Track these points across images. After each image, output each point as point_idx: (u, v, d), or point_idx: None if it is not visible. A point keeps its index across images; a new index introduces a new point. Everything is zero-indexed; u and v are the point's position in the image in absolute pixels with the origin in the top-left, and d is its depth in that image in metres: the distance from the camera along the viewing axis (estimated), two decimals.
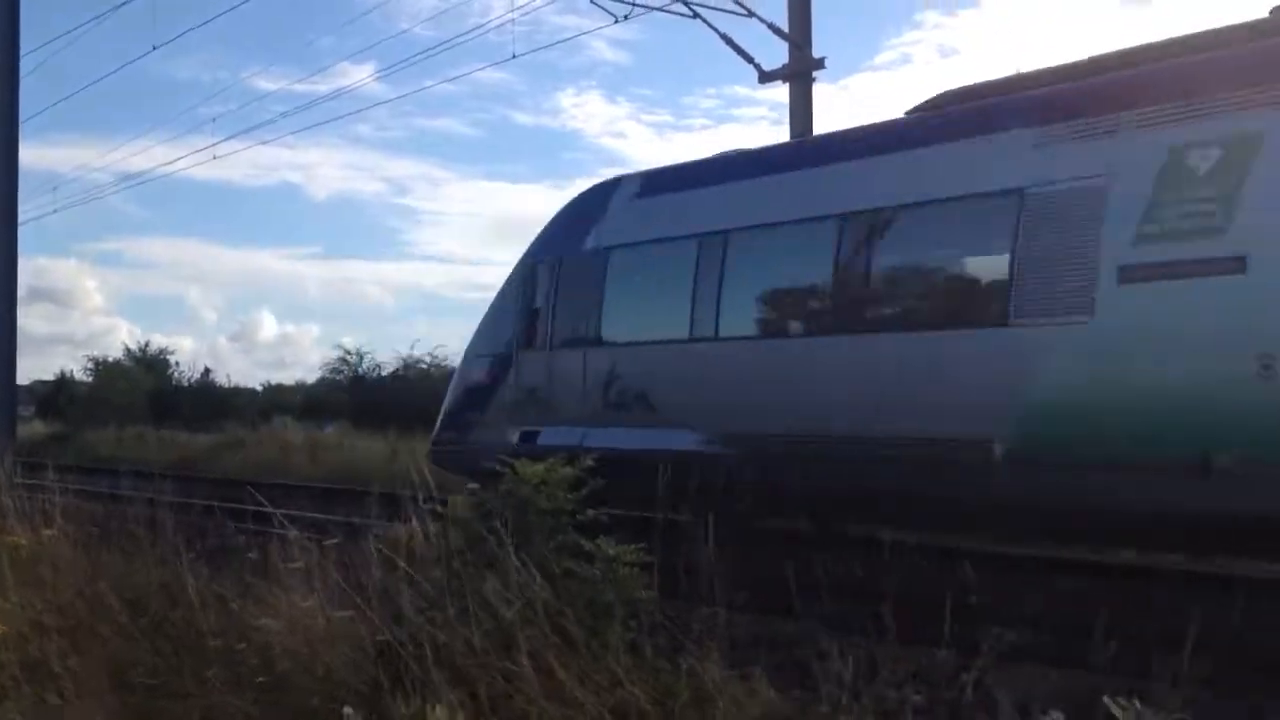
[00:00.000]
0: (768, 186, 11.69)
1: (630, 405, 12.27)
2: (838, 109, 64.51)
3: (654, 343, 12.35)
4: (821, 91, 74.75)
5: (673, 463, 8.98)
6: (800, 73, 18.75)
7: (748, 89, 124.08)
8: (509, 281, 14.13)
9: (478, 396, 14.28)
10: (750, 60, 19.00)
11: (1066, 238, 8.85)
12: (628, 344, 12.65)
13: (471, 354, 14.69)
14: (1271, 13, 8.88)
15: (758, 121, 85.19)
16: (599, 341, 12.73)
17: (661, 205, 12.72)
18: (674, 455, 10.28)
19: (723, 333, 11.56)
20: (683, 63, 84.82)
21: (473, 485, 7.80)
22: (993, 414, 9.02)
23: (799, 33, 18.71)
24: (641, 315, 12.89)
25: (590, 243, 13.14)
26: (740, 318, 11.75)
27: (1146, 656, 4.60)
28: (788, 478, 10.71)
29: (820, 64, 18.87)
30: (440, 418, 14.83)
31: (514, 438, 12.89)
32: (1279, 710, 5.89)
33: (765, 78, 19.10)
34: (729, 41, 18.92)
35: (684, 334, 11.83)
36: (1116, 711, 3.85)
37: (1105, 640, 4.70)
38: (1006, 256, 9.20)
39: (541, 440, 12.47)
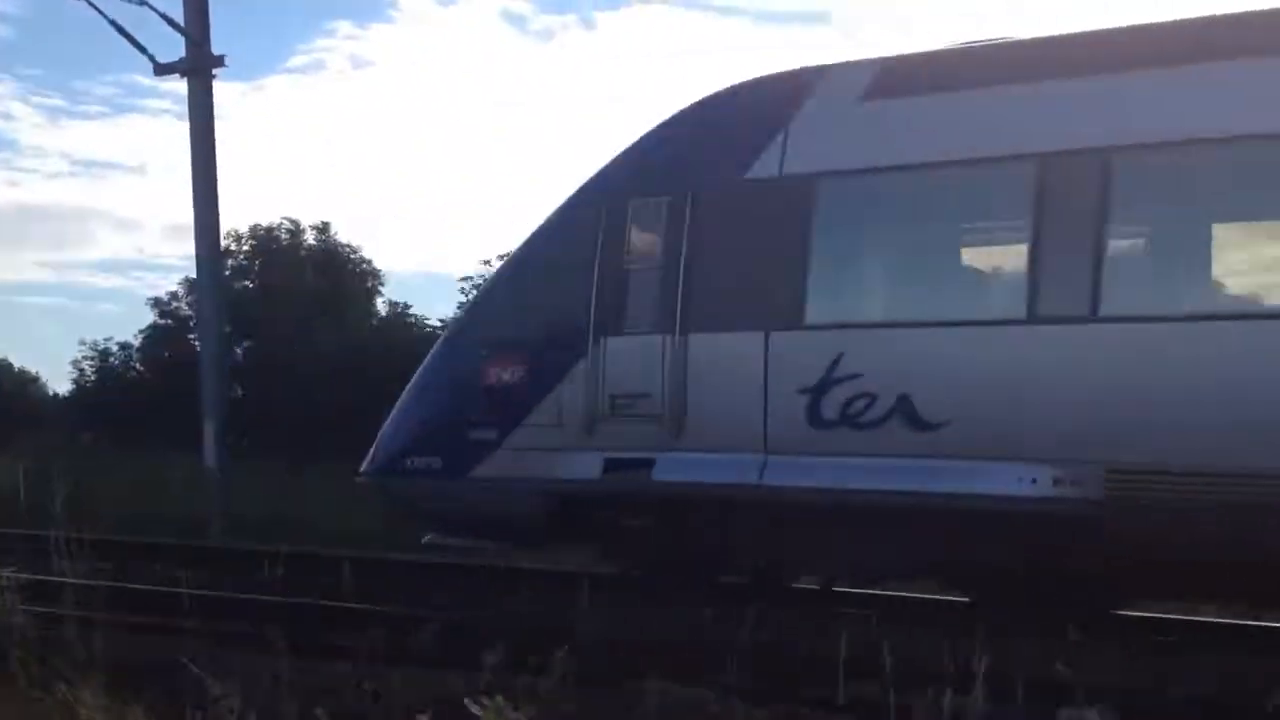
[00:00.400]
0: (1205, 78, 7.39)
1: (880, 422, 7.87)
2: (251, 109, 62.92)
3: (938, 325, 8.00)
4: (232, 90, 71.45)
5: (985, 519, 6.98)
6: (199, 69, 18.15)
7: (150, 79, 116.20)
8: (561, 232, 9.45)
9: (495, 404, 9.35)
10: (143, 50, 18.14)
11: None
12: (870, 325, 8.38)
13: (475, 338, 9.77)
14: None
15: (162, 115, 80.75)
16: (798, 322, 8.33)
17: (932, 110, 8.27)
18: (988, 505, 7.37)
19: (1115, 310, 7.41)
20: (74, 43, 78.29)
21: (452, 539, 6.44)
22: None
23: (196, 28, 18.07)
24: (902, 281, 8.81)
25: (763, 168, 8.58)
26: (1160, 287, 7.88)
27: None
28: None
29: (220, 61, 18.35)
30: (398, 432, 9.91)
31: (586, 467, 8.89)
32: None
33: (161, 70, 18.31)
34: (118, 28, 17.93)
35: (1017, 311, 7.70)
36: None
37: None
38: None
39: (662, 473, 8.60)
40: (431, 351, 10.16)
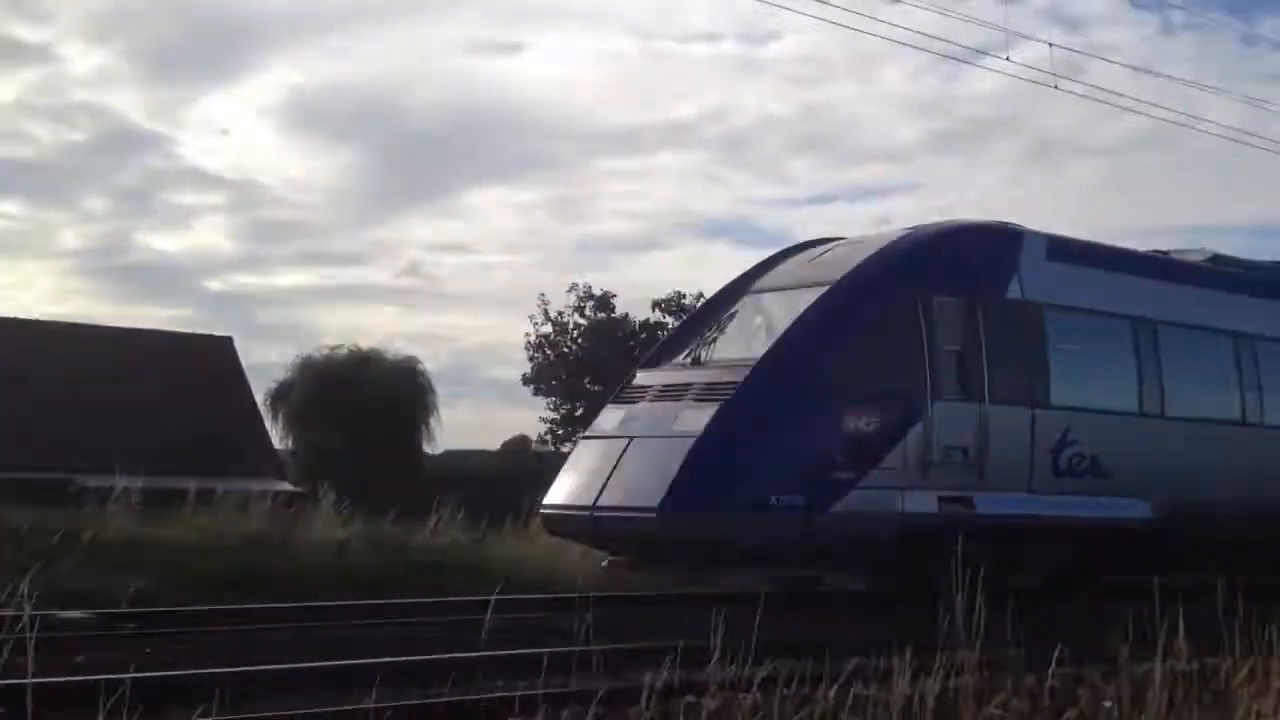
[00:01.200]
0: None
1: (1085, 473, 12.11)
2: None
3: (1110, 413, 12.73)
4: None
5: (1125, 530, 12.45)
6: None
7: None
8: (884, 311, 11.52)
9: (854, 450, 10.67)
10: None
11: None
12: (1082, 409, 12.37)
13: (821, 392, 10.96)
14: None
15: None
16: (1047, 404, 12.02)
17: (1091, 276, 13.24)
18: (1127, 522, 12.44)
19: (1177, 413, 13.50)
20: None
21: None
22: None
23: None
24: (1093, 381, 13.11)
25: (1012, 292, 12.23)
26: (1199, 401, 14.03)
27: None
28: None
29: None
30: (747, 473, 10.42)
31: (925, 503, 10.93)
32: None
33: None
34: None
35: (1136, 408, 13.06)
36: None
37: None
38: None
39: (982, 508, 11.22)
40: (754, 399, 10.69)
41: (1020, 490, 11.53)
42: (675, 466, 10.22)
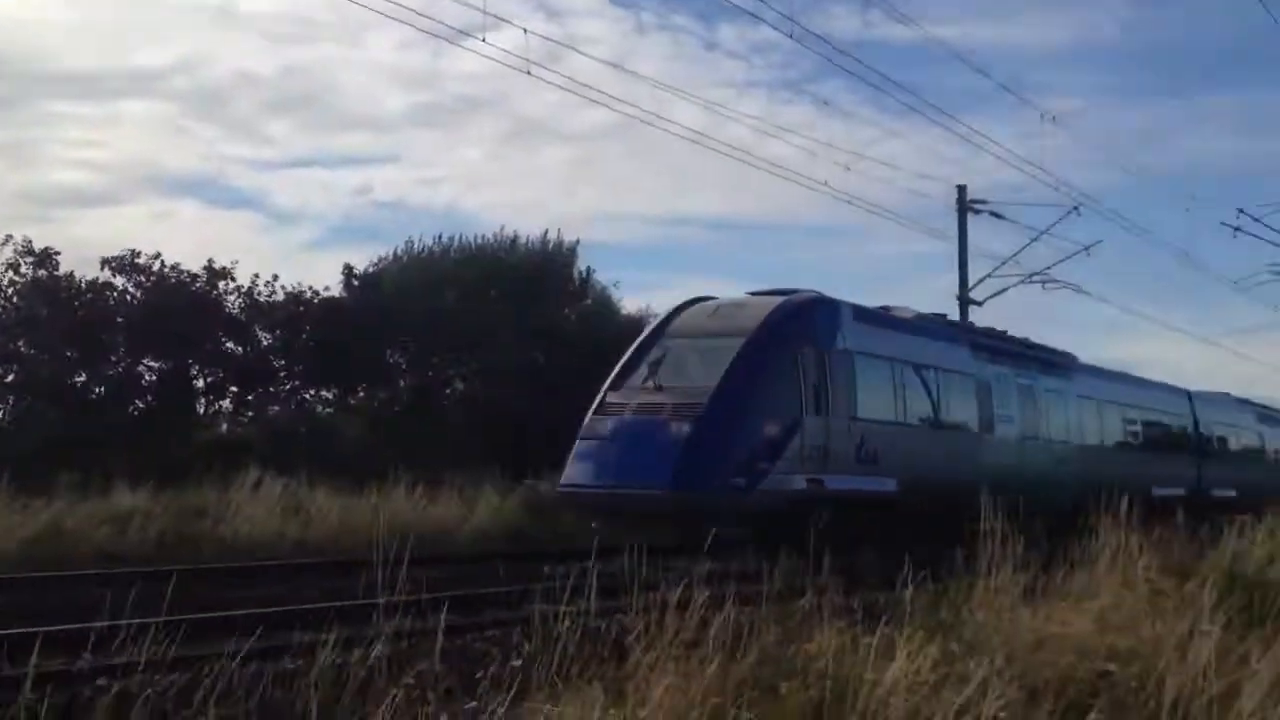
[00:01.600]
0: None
1: (870, 461, 18.10)
2: None
3: (888, 423, 19.01)
4: None
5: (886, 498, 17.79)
6: None
7: None
8: (779, 362, 16.79)
9: (769, 447, 16.19)
10: None
11: None
12: (870, 420, 18.38)
13: (749, 412, 16.25)
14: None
15: None
16: (856, 416, 18.08)
17: (880, 334, 19.95)
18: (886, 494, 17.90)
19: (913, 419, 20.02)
20: None
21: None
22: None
23: None
24: (881, 402, 18.92)
25: (840, 344, 18.08)
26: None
27: None
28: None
29: None
30: (720, 463, 15.76)
31: (801, 484, 16.39)
32: None
33: None
34: None
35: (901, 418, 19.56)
36: None
37: None
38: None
39: (830, 485, 16.79)
40: (715, 418, 15.81)
41: (846, 473, 17.06)
42: (670, 462, 15.34)
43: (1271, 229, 35.45)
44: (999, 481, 14.20)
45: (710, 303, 18.47)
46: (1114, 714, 5.97)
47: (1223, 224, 35.45)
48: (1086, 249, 35.46)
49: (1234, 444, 35.26)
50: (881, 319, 20.31)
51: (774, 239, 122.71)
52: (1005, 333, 25.09)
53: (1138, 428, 28.52)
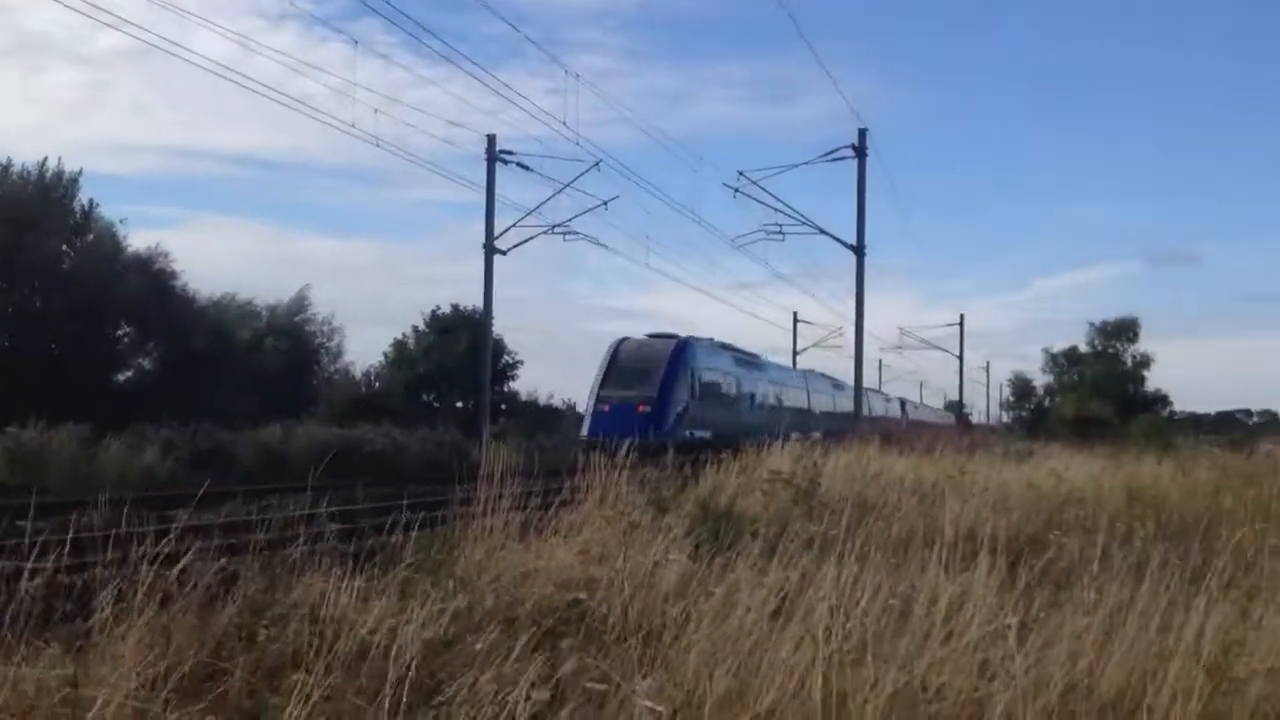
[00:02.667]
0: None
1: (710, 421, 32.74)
2: None
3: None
4: None
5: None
6: None
7: None
8: (677, 374, 31.40)
9: (677, 417, 30.94)
10: None
11: None
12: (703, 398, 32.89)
13: (672, 401, 30.97)
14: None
15: None
16: (697, 398, 32.33)
17: (719, 356, 35.98)
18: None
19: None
20: None
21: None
22: None
23: None
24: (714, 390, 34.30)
25: (699, 364, 33.35)
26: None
27: None
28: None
29: None
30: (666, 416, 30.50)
31: (687, 434, 30.45)
32: None
33: None
34: None
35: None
36: None
37: None
38: None
39: (698, 433, 30.99)
40: (660, 404, 30.45)
41: (698, 428, 31.38)
42: (640, 425, 26.07)
43: (767, 192, 39.06)
44: (743, 428, 30.34)
45: (636, 340, 33.07)
46: (586, 640, 6.34)
47: (725, 185, 38.69)
48: (605, 203, 37.42)
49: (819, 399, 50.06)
50: (708, 347, 35.22)
51: (300, 179, 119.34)
52: (739, 348, 39.71)
53: (783, 390, 43.72)
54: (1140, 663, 5.20)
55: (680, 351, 31.70)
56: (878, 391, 66.87)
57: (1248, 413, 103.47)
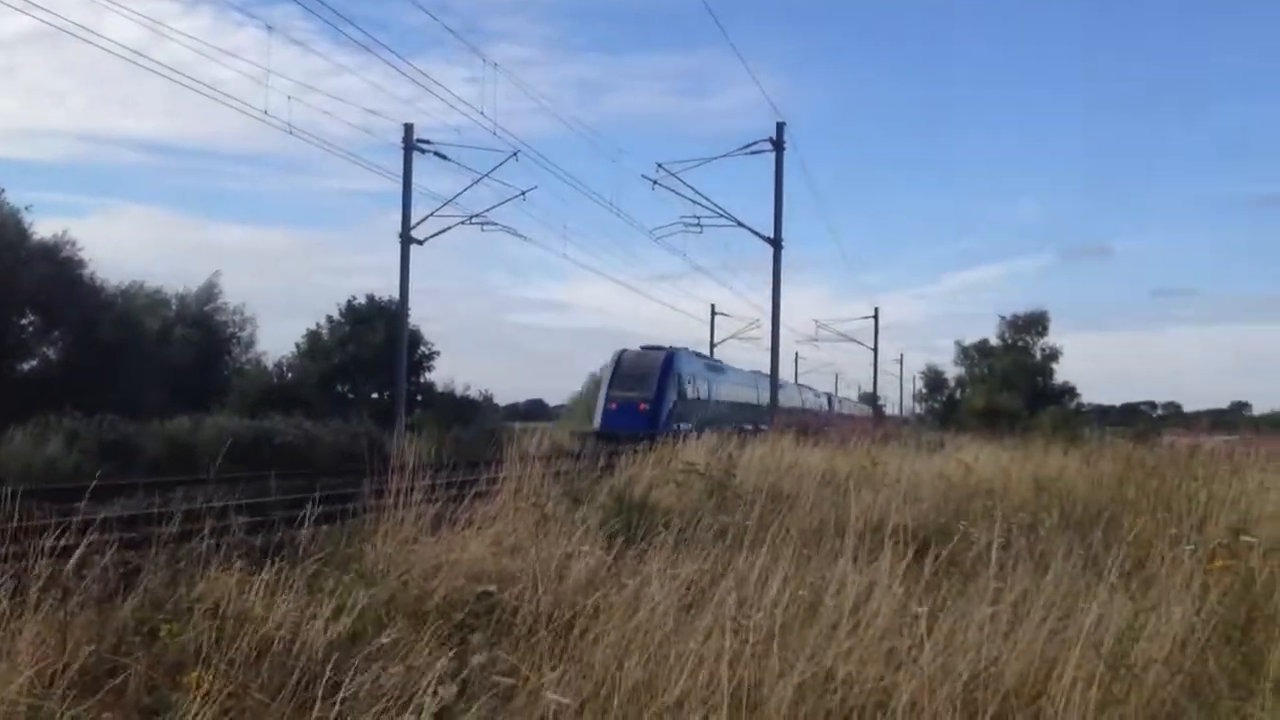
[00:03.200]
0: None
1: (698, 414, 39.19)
2: None
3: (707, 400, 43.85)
4: None
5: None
6: None
7: None
8: (668, 379, 39.20)
9: (668, 412, 38.15)
10: None
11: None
12: (693, 399, 41.47)
13: (664, 400, 38.71)
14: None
15: None
16: (684, 396, 40.93)
17: (706, 368, 46.11)
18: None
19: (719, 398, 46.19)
20: None
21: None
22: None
23: None
24: (700, 388, 43.60)
25: (683, 368, 41.34)
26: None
27: None
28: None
29: None
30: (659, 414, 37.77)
31: (677, 425, 35.15)
32: None
33: None
34: None
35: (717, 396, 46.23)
36: None
37: None
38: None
39: (683, 425, 32.96)
40: (655, 402, 38.89)
41: (684, 422, 35.73)
42: (642, 421, 35.87)
43: (685, 184, 39.15)
44: (711, 421, 31.14)
45: (635, 351, 40.49)
46: (496, 633, 6.29)
47: (644, 176, 38.70)
48: (523, 194, 37.24)
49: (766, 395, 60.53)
50: (687, 356, 42.88)
51: (213, 167, 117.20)
52: (706, 355, 50.93)
53: (739, 389, 50.70)
54: (1042, 651, 5.29)
55: (669, 360, 39.88)
56: (809, 387, 74.72)
57: (1152, 405, 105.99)
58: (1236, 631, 5.76)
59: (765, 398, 55.09)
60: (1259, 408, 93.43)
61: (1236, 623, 5.84)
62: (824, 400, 73.30)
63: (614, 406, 38.00)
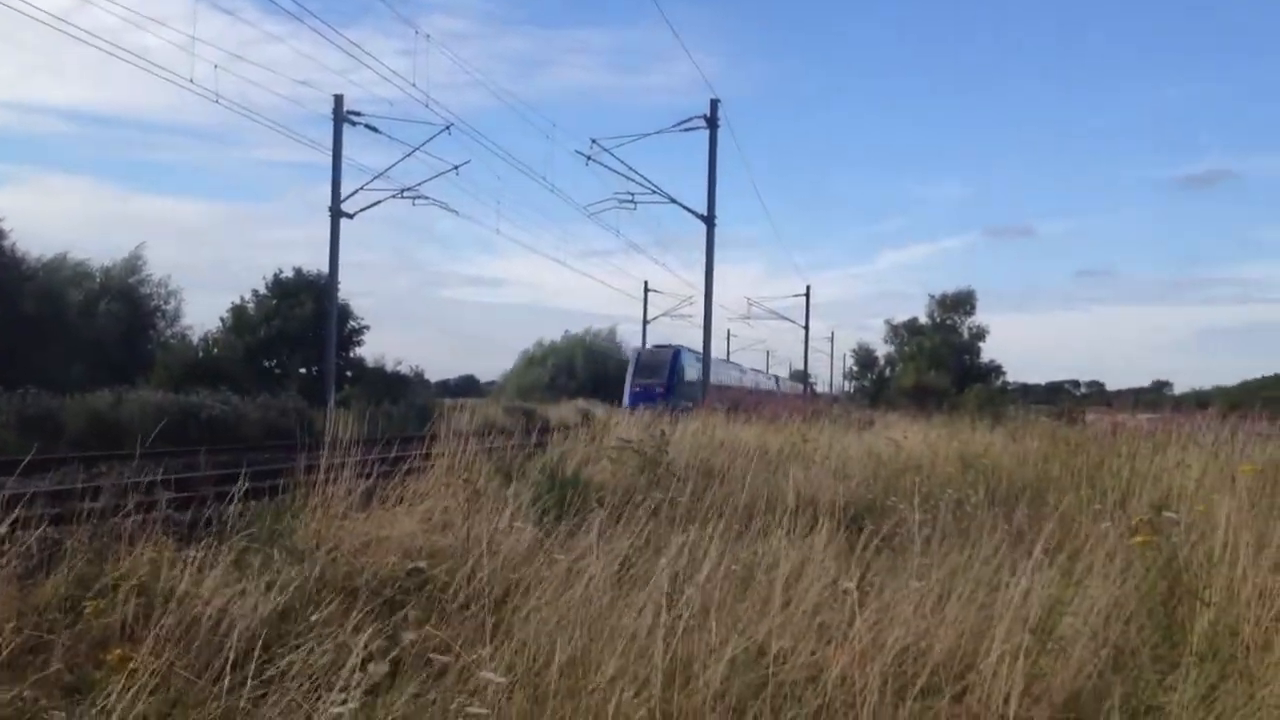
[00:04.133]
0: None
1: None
2: None
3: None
4: None
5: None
6: None
7: None
8: (676, 368, 52.83)
9: (676, 391, 47.86)
10: None
11: None
12: (692, 382, 49.28)
13: (674, 382, 50.97)
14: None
15: None
16: (683, 379, 51.08)
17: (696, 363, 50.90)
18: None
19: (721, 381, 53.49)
20: None
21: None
22: None
23: None
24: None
25: (685, 364, 53.07)
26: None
27: None
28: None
29: None
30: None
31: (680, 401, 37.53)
32: None
33: None
34: None
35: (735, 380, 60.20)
36: None
37: None
38: None
39: (679, 403, 32.25)
40: (669, 384, 50.69)
41: (688, 401, 36.26)
42: (658, 398, 40.92)
43: (619, 160, 39.19)
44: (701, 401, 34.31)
45: (650, 349, 56.78)
46: (428, 610, 6.25)
47: (577, 152, 38.71)
48: (456, 168, 37.05)
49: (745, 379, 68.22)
50: (686, 352, 52.79)
51: (139, 137, 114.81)
52: (697, 351, 50.63)
53: (723, 375, 57.46)
54: (971, 625, 5.36)
55: (676, 356, 53.28)
56: (760, 370, 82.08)
57: (1076, 383, 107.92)
58: (1159, 605, 5.88)
59: (747, 381, 66.32)
60: (1179, 387, 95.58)
61: (1159, 597, 5.95)
62: (771, 380, 78.01)
63: (637, 389, 50.74)
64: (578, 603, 5.67)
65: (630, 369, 54.78)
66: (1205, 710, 4.66)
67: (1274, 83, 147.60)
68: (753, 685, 4.90)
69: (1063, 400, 69.60)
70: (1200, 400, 51.87)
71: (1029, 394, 77.20)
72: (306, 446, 9.85)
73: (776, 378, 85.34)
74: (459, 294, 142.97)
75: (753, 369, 78.68)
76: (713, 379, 49.09)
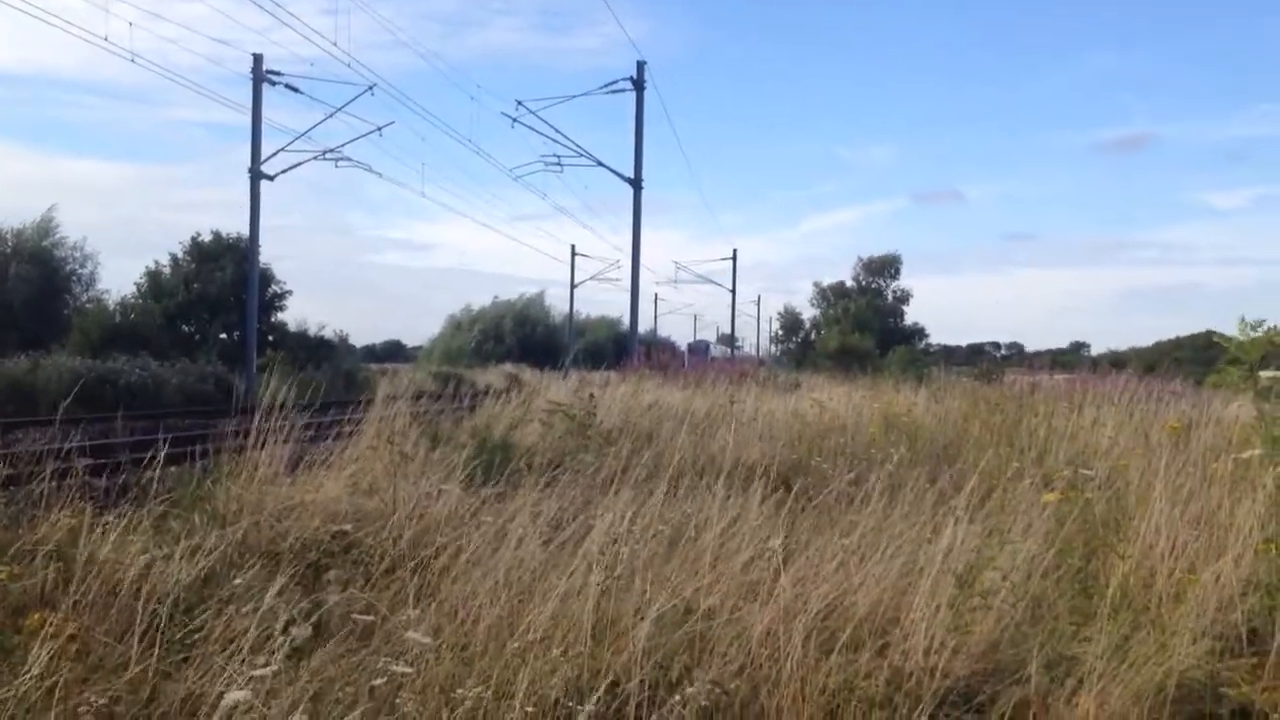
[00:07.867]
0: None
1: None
2: None
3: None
4: None
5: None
6: None
7: None
8: (702, 353, 66.05)
9: (696, 364, 38.44)
10: None
11: None
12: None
13: (699, 359, 46.57)
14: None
15: None
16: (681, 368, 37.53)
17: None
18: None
19: None
20: None
21: None
22: None
23: None
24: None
25: (700, 349, 74.57)
26: None
27: None
28: None
29: None
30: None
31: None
32: None
33: None
34: None
35: None
36: None
37: None
38: None
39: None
40: (697, 359, 47.48)
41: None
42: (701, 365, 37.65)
43: (546, 123, 38.93)
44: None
45: (693, 341, 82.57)
46: (353, 573, 6.21)
47: (503, 114, 38.49)
48: (379, 129, 36.56)
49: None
50: (700, 342, 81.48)
51: (51, 95, 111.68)
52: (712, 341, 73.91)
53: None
54: (894, 582, 5.44)
55: (706, 345, 65.18)
56: (716, 343, 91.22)
57: (996, 345, 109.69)
58: (1076, 560, 6.01)
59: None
60: (1096, 348, 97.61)
61: (1076, 551, 6.09)
62: (726, 350, 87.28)
63: (688, 360, 60.58)
64: (507, 564, 5.67)
65: (685, 351, 66.28)
66: (1119, 659, 4.77)
67: (1197, 48, 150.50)
68: (680, 641, 4.93)
69: (983, 362, 70.82)
70: (1115, 361, 53.02)
71: (951, 356, 78.32)
72: (230, 412, 9.72)
73: (707, 344, 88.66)
74: (386, 258, 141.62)
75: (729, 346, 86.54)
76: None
